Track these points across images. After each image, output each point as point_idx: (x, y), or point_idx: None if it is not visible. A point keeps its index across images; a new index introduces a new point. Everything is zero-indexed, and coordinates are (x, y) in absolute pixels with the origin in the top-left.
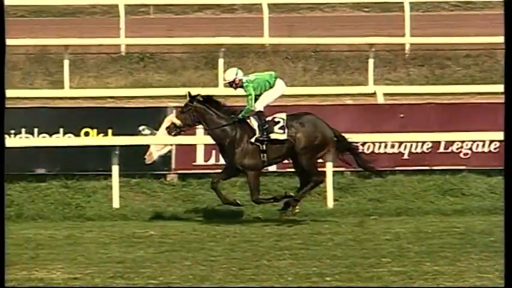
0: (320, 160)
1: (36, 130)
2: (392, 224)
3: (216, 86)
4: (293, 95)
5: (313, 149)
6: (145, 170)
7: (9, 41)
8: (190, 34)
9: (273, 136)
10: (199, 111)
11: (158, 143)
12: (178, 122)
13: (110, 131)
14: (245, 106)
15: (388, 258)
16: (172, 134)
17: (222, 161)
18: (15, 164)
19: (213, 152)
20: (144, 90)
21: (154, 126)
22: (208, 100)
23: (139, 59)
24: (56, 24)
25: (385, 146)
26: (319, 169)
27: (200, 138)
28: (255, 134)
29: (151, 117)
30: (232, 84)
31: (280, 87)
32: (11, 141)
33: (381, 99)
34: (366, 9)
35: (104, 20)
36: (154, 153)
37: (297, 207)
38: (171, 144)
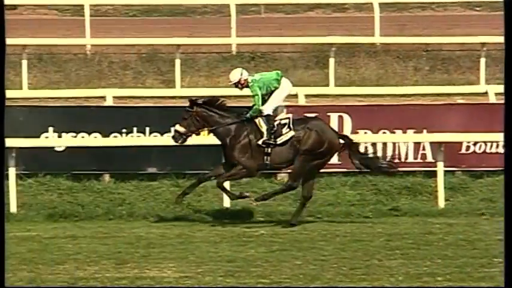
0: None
1: (147, 129)
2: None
3: (327, 85)
4: (404, 94)
5: (314, 155)
6: None
7: (122, 41)
8: (301, 33)
9: (279, 140)
10: (200, 115)
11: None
12: (182, 130)
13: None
14: (252, 106)
15: (500, 259)
16: (179, 142)
17: (332, 160)
18: (127, 163)
19: None
20: None
21: None
22: (208, 102)
23: (250, 58)
24: (168, 23)
25: (497, 146)
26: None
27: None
28: (262, 136)
29: None
30: (237, 84)
31: (287, 87)
32: (122, 140)
33: (492, 99)
34: (477, 8)
35: (215, 19)
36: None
37: (255, 203)
38: None
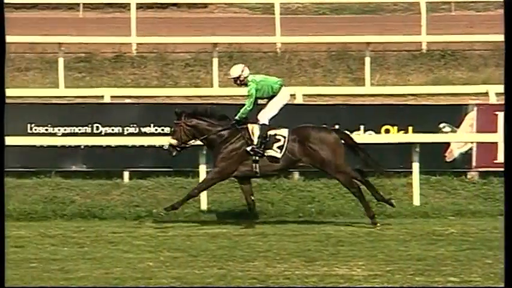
0: None
1: (337, 127)
2: None
3: None
4: None
5: (333, 158)
6: (445, 168)
7: (311, 39)
8: (492, 31)
9: (268, 153)
10: (190, 125)
11: (459, 140)
12: (174, 142)
13: (410, 128)
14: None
15: None
16: (174, 154)
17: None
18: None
19: None
20: (445, 88)
21: (455, 124)
22: (196, 112)
23: (440, 56)
24: (357, 21)
25: None
26: None
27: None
28: (252, 142)
29: (452, 114)
30: (236, 80)
31: (285, 96)
32: None
33: None
34: None
35: (405, 17)
36: (455, 151)
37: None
38: (472, 142)
